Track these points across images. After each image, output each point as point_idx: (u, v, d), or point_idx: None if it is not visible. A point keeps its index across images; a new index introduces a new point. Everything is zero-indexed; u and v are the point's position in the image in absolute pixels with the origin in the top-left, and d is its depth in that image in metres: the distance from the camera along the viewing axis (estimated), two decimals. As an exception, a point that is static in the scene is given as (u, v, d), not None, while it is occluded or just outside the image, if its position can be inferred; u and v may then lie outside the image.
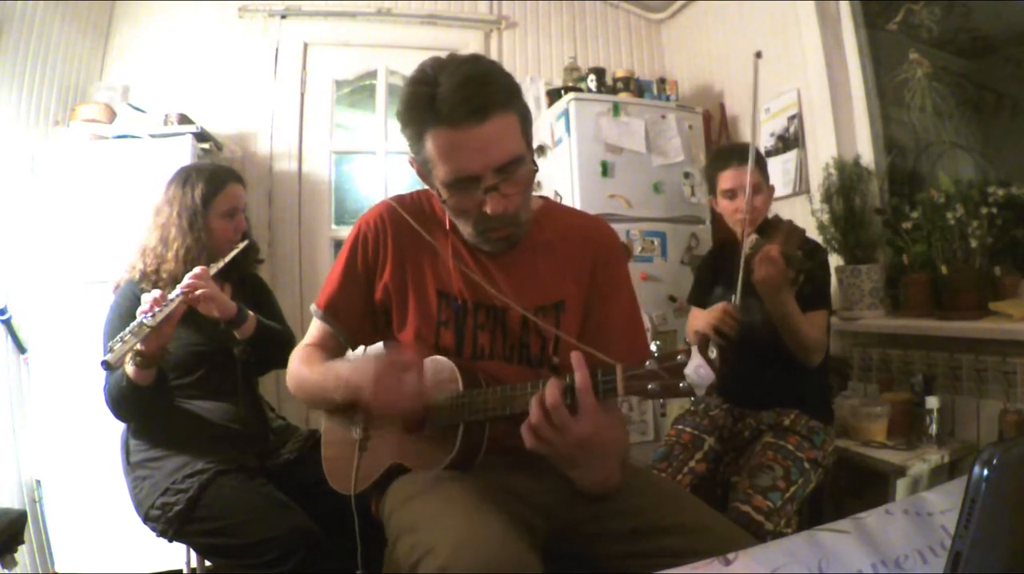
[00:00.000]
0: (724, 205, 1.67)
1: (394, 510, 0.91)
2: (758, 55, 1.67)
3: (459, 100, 0.82)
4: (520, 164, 0.89)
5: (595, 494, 0.88)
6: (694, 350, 0.73)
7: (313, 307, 1.08)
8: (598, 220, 1.14)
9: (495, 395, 0.89)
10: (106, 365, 1.13)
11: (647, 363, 0.75)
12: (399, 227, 1.04)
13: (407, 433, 0.97)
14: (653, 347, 0.78)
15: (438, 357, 0.96)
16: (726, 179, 1.64)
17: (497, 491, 0.87)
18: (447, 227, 1.03)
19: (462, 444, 0.91)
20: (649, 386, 0.75)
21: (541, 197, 1.12)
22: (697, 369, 0.72)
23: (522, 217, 0.97)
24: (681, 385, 0.73)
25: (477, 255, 1.02)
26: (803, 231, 1.40)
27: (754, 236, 1.48)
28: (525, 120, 0.91)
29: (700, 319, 1.52)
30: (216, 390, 1.42)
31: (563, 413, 0.76)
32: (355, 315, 1.05)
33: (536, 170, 0.94)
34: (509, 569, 0.71)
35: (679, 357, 0.73)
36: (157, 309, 1.20)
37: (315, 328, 1.08)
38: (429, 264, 1.02)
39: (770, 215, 1.65)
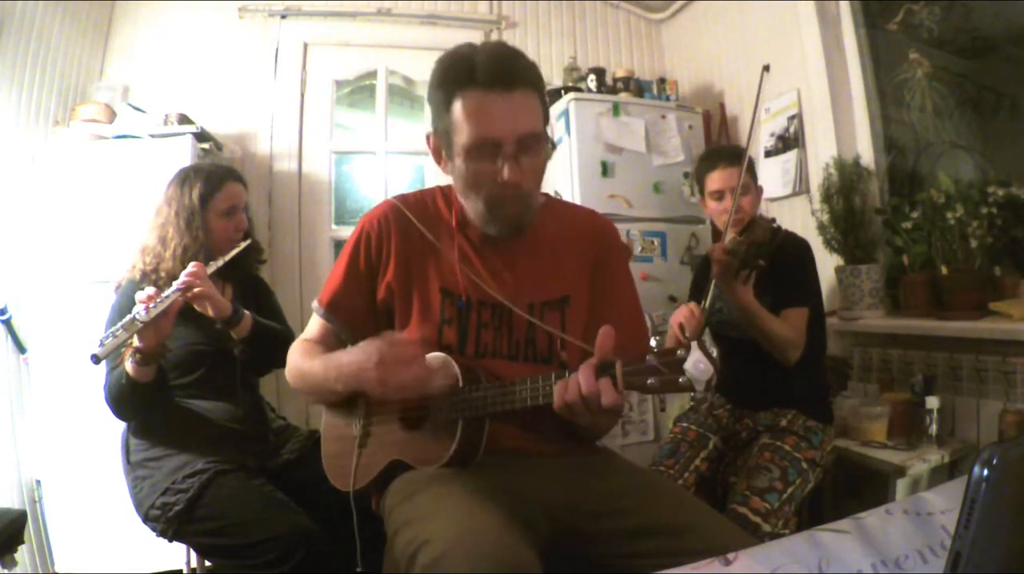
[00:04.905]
0: (712, 206, 1.68)
1: (394, 506, 0.91)
2: (766, 68, 1.68)
3: (494, 67, 0.90)
4: (539, 142, 0.94)
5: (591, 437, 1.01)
6: (694, 345, 0.73)
7: (315, 304, 1.08)
8: (596, 214, 1.16)
9: (494, 391, 0.89)
10: (95, 358, 1.14)
11: (647, 358, 0.76)
12: (403, 226, 1.04)
13: (407, 429, 0.97)
14: (652, 342, 0.78)
15: (438, 354, 0.96)
16: (713, 180, 1.65)
17: (498, 489, 0.87)
18: (453, 225, 1.04)
19: (461, 439, 0.91)
20: (649, 381, 0.75)
21: (543, 194, 1.12)
22: (696, 364, 0.72)
23: (532, 201, 0.99)
24: (680, 380, 0.73)
25: (483, 253, 1.02)
26: (770, 227, 1.35)
27: (731, 235, 1.48)
28: (545, 107, 0.97)
29: (673, 315, 1.51)
30: (216, 390, 1.42)
31: (596, 396, 0.79)
32: (357, 314, 1.05)
33: (551, 154, 0.98)
34: (504, 561, 0.71)
35: (679, 352, 0.73)
36: (152, 305, 1.20)
37: (315, 324, 1.08)
38: (433, 263, 1.02)
39: (770, 216, 1.64)
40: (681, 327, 1.41)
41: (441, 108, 0.94)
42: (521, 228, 1.00)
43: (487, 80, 0.89)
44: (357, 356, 0.91)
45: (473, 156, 0.92)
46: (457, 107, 0.91)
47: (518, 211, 0.97)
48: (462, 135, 0.91)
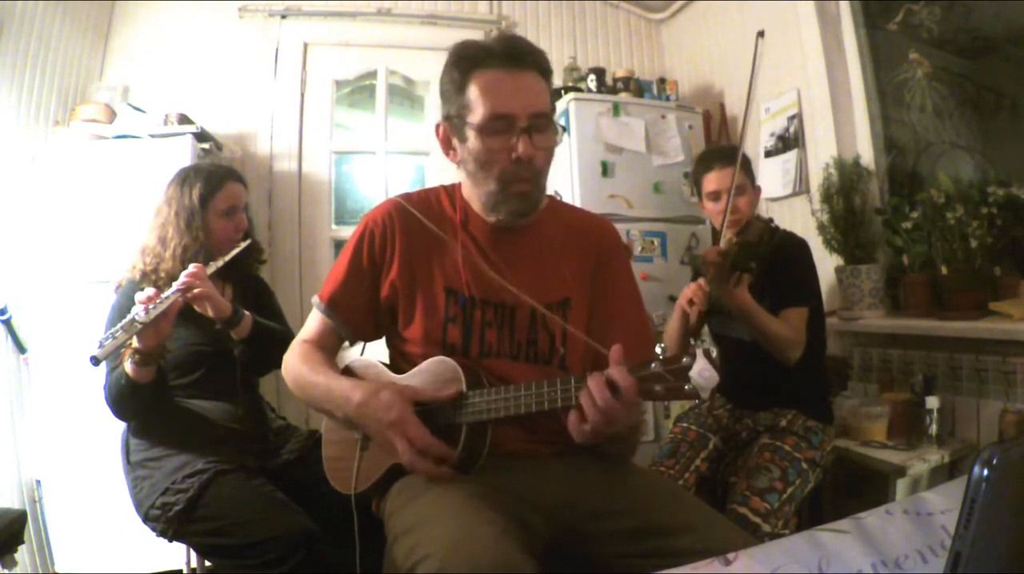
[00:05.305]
0: (709, 207, 1.68)
1: (394, 511, 0.91)
2: (760, 34, 1.64)
3: (508, 48, 0.95)
4: (550, 122, 0.97)
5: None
6: (699, 353, 0.72)
7: (315, 299, 1.07)
8: (598, 217, 1.16)
9: (498, 397, 0.89)
10: (94, 360, 1.14)
11: (652, 365, 0.75)
12: (407, 224, 1.04)
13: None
14: (657, 349, 0.77)
15: (442, 358, 0.96)
16: (710, 181, 1.65)
17: (497, 493, 0.87)
18: (457, 222, 1.04)
19: (464, 446, 0.90)
20: (655, 388, 0.75)
21: (546, 195, 1.12)
22: (702, 372, 0.71)
23: (542, 181, 1.00)
24: (686, 387, 0.72)
25: (487, 252, 1.03)
26: (766, 227, 1.38)
27: (728, 236, 1.48)
28: (551, 95, 1.01)
29: (683, 293, 1.51)
30: (216, 390, 1.42)
31: (614, 406, 0.77)
32: (358, 311, 1.05)
33: (560, 139, 1.00)
34: (502, 572, 0.71)
35: (684, 359, 0.73)
36: (151, 306, 1.20)
37: (315, 321, 1.07)
38: (438, 261, 1.02)
39: (767, 216, 1.65)
40: (691, 302, 1.42)
41: (455, 91, 0.96)
42: (529, 211, 1.00)
43: (501, 59, 0.94)
44: (367, 408, 0.91)
45: (487, 132, 0.93)
46: (472, 86, 0.94)
47: (529, 189, 0.97)
48: (477, 113, 0.93)
